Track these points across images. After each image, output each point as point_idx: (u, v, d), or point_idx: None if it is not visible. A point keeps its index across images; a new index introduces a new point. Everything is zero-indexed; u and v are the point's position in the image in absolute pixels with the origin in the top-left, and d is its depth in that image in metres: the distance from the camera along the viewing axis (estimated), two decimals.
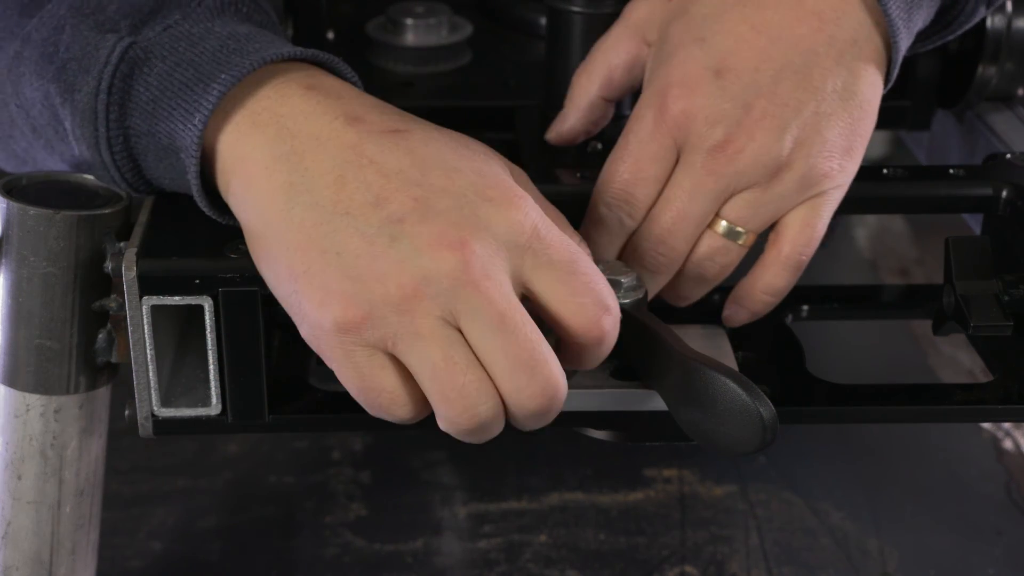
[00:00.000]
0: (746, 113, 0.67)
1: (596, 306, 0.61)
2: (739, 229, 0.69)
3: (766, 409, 0.62)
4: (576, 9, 0.80)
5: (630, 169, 0.69)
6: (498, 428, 0.61)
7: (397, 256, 0.58)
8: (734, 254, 0.70)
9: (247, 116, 0.63)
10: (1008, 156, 0.78)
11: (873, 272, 1.36)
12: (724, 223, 0.69)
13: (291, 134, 0.62)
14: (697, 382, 0.63)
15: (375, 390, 0.60)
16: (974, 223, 0.86)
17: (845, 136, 0.68)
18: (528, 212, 0.60)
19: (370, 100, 0.64)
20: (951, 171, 0.76)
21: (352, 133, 0.61)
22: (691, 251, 0.70)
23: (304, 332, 0.61)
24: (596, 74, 0.75)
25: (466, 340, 0.59)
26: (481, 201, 0.59)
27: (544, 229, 0.60)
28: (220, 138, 0.63)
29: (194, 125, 0.62)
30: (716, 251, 0.70)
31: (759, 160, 0.67)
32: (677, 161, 0.69)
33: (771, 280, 0.71)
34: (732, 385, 0.62)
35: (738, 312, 0.73)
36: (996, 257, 0.74)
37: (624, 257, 0.70)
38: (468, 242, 0.58)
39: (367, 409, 0.62)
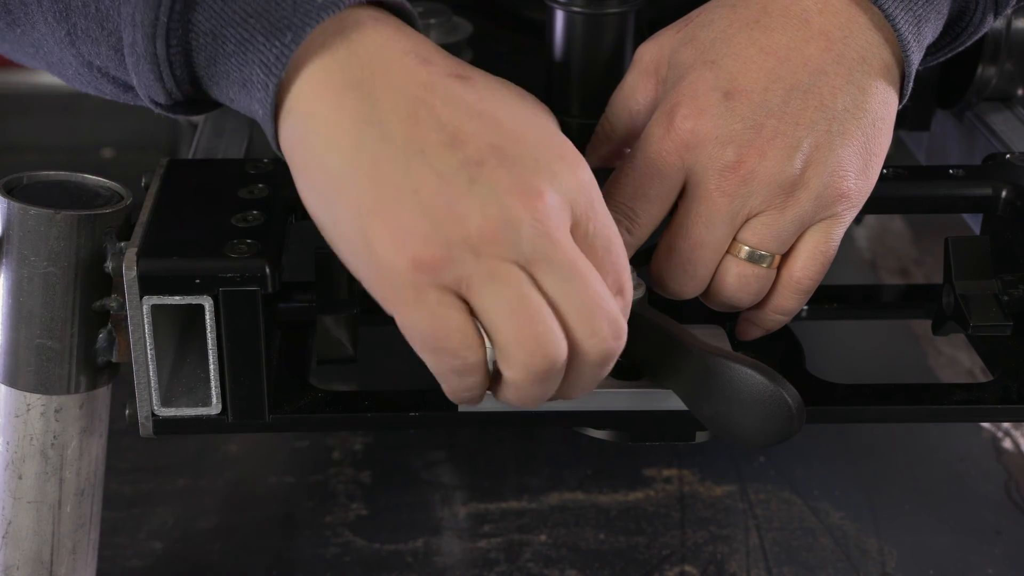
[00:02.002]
0: (757, 133, 0.67)
1: (614, 288, 0.61)
2: (762, 253, 0.69)
3: (793, 398, 0.62)
4: (576, 9, 0.80)
5: (634, 184, 0.69)
6: (559, 378, 0.61)
7: (478, 198, 0.58)
8: (764, 277, 0.70)
9: (318, 37, 0.61)
10: (1008, 156, 0.78)
11: (873, 272, 1.36)
12: (746, 248, 0.69)
13: (361, 63, 0.61)
14: (719, 376, 0.63)
15: (446, 330, 0.59)
16: (974, 223, 0.86)
17: (859, 155, 0.68)
18: (590, 175, 0.61)
19: (433, 43, 0.64)
20: (951, 171, 0.76)
21: (423, 71, 0.61)
22: (722, 284, 0.70)
23: (365, 273, 0.60)
24: (618, 122, 0.75)
25: (538, 286, 0.59)
26: (549, 156, 0.60)
27: (598, 200, 0.61)
28: (293, 56, 0.61)
29: (284, 45, 0.60)
30: (745, 279, 0.69)
31: (772, 180, 0.67)
32: (684, 185, 0.69)
33: (782, 302, 0.71)
34: (758, 376, 0.62)
35: (749, 328, 0.73)
36: (996, 257, 0.74)
37: (647, 282, 0.70)
38: (546, 193, 0.58)
39: (433, 355, 0.60)
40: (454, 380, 0.61)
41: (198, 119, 0.90)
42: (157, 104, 0.66)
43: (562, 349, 0.60)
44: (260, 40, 0.61)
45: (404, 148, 0.59)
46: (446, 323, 0.59)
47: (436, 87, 0.60)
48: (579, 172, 0.60)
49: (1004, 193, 0.75)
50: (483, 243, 0.58)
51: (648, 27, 0.91)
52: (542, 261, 0.58)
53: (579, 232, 0.60)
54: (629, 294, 0.63)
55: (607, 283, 0.61)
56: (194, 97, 0.66)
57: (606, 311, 0.60)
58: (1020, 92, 0.93)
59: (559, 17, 0.81)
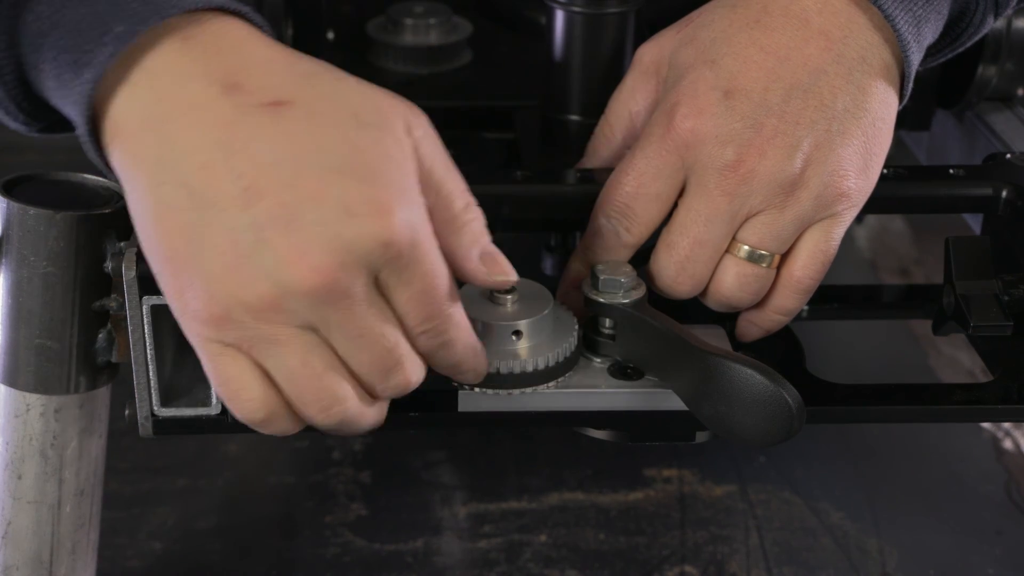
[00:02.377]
0: (757, 133, 0.67)
1: (421, 325, 0.60)
2: (762, 252, 0.69)
3: (793, 398, 0.62)
4: (576, 9, 0.80)
5: (633, 183, 0.69)
6: (367, 422, 0.62)
7: (258, 265, 0.56)
8: (764, 277, 0.70)
9: (119, 70, 0.58)
10: (1008, 156, 0.78)
11: (873, 272, 1.36)
12: (745, 248, 0.69)
13: (160, 97, 0.58)
14: (719, 376, 0.63)
15: (232, 386, 0.60)
16: (974, 223, 0.86)
17: (859, 154, 0.68)
18: (395, 227, 0.57)
19: (259, 52, 0.59)
20: (951, 171, 0.76)
21: (227, 106, 0.57)
22: (722, 284, 0.70)
23: (175, 314, 0.60)
24: (618, 123, 0.75)
25: (326, 341, 0.59)
26: (348, 218, 0.56)
27: (410, 247, 0.57)
28: (96, 92, 0.59)
29: (87, 82, 0.58)
30: (744, 278, 0.69)
31: (772, 179, 0.67)
32: (684, 184, 0.69)
33: (782, 302, 0.71)
34: (758, 376, 0.62)
35: (750, 329, 0.73)
36: (996, 257, 0.74)
37: (647, 281, 0.70)
38: (330, 265, 0.56)
39: (224, 403, 0.61)
40: (260, 430, 0.62)
41: None
42: (28, 128, 0.66)
43: (346, 407, 0.60)
44: (70, 77, 0.59)
45: (199, 199, 0.57)
46: (229, 380, 0.59)
47: (239, 126, 0.57)
48: (377, 229, 0.56)
49: (1004, 193, 0.75)
50: (262, 310, 0.57)
51: (648, 27, 0.91)
52: (325, 326, 0.58)
53: (383, 281, 0.58)
54: (453, 333, 0.61)
55: (416, 325, 0.60)
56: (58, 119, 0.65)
57: (398, 361, 0.60)
58: (1020, 92, 0.93)
59: (559, 17, 0.81)
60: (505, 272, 0.63)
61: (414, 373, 0.61)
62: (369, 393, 0.61)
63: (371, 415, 0.62)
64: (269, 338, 0.58)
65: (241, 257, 0.56)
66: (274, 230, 0.56)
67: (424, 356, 0.62)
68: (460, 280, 0.62)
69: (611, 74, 0.80)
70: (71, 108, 0.60)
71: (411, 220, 0.57)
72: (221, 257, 0.56)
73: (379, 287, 0.58)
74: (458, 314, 0.61)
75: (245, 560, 0.99)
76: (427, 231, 0.59)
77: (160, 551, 0.99)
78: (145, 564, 0.98)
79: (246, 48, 0.59)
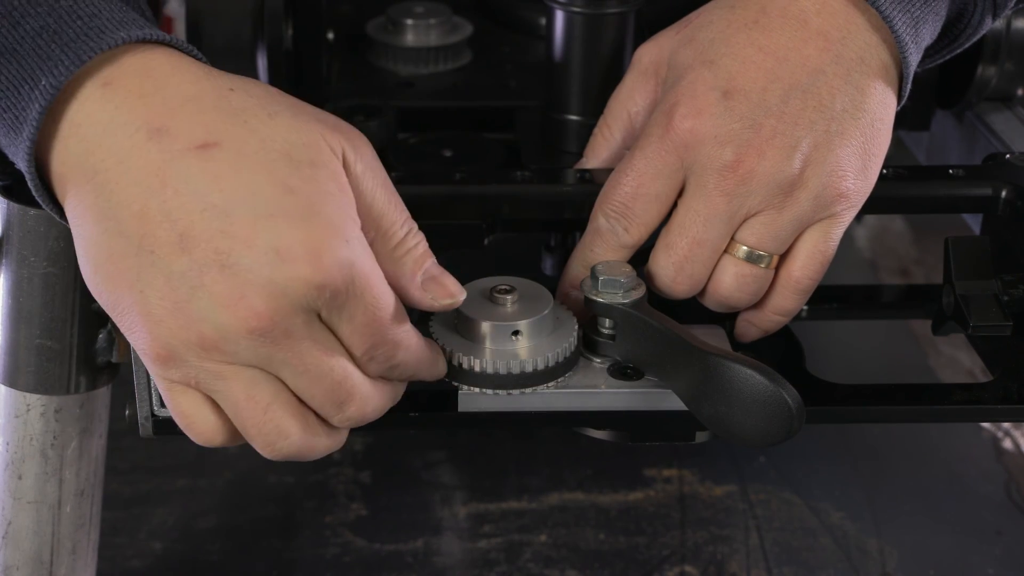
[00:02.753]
0: (755, 133, 0.67)
1: (368, 353, 0.61)
2: (761, 252, 0.69)
3: (793, 398, 0.62)
4: (576, 9, 0.80)
5: (632, 183, 0.69)
6: (319, 451, 0.62)
7: (196, 310, 0.57)
8: (762, 277, 0.70)
9: (51, 124, 0.59)
10: (1008, 156, 0.78)
11: (873, 272, 1.36)
12: (744, 248, 0.69)
13: (90, 149, 0.58)
14: (719, 376, 0.63)
15: (186, 418, 0.61)
16: (974, 223, 0.86)
17: (858, 155, 0.68)
18: (328, 270, 0.57)
19: (182, 91, 0.59)
20: (951, 171, 0.76)
21: (155, 152, 0.57)
22: (720, 284, 0.70)
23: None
24: (617, 124, 0.75)
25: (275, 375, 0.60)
26: (280, 263, 0.57)
27: (345, 285, 0.58)
28: (35, 148, 0.59)
29: (24, 140, 0.59)
30: (743, 278, 0.69)
31: (771, 179, 0.67)
32: (683, 184, 0.69)
33: (781, 303, 0.71)
34: (758, 376, 0.62)
35: (748, 329, 0.73)
36: (996, 257, 0.74)
37: (646, 281, 0.70)
38: (266, 309, 0.57)
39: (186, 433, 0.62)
40: (225, 445, 0.63)
41: None
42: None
43: (291, 440, 0.61)
44: (12, 135, 0.60)
45: (136, 246, 0.57)
46: (185, 413, 0.61)
47: (168, 172, 0.57)
48: (310, 273, 0.57)
49: (1004, 193, 0.75)
50: (204, 350, 0.58)
51: (648, 27, 0.91)
52: (270, 363, 0.59)
53: (325, 317, 0.59)
54: (402, 356, 0.62)
55: (363, 354, 0.60)
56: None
57: (349, 393, 0.60)
58: (1020, 92, 0.93)
59: (559, 17, 0.81)
60: (451, 295, 0.63)
61: (368, 404, 0.62)
62: (326, 422, 0.62)
63: (323, 445, 0.62)
64: (214, 374, 0.59)
65: (180, 302, 0.57)
66: (210, 275, 0.57)
67: (378, 378, 0.62)
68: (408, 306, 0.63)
69: (611, 74, 0.80)
70: (21, 164, 0.60)
71: (346, 259, 0.58)
72: (161, 302, 0.57)
73: (323, 321, 0.59)
74: (405, 336, 0.61)
75: (245, 560, 0.99)
76: (367, 265, 0.59)
77: (160, 551, 0.99)
78: (145, 564, 0.98)
79: (170, 86, 0.59)
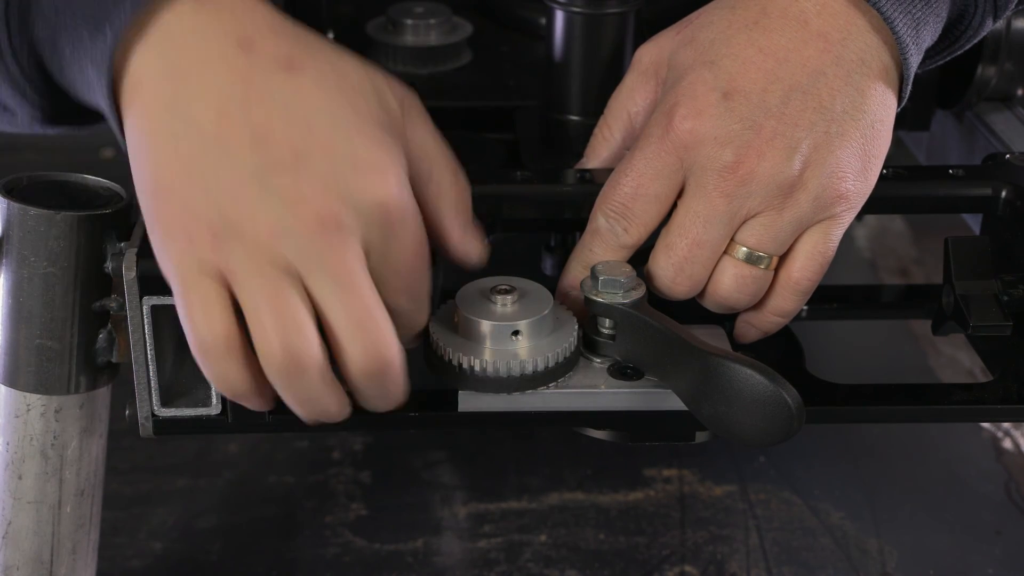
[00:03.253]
0: (756, 134, 0.67)
1: (403, 308, 0.62)
2: (760, 254, 0.69)
3: (793, 398, 0.62)
4: (576, 9, 0.80)
5: (632, 184, 0.69)
6: (318, 385, 0.62)
7: (263, 205, 0.58)
8: (761, 279, 0.70)
9: (137, 29, 0.61)
10: (1007, 156, 0.78)
11: (873, 272, 1.36)
12: (744, 249, 0.69)
13: (178, 50, 0.60)
14: (719, 376, 0.63)
15: (193, 310, 0.60)
16: (974, 223, 0.86)
17: (858, 156, 0.68)
18: (395, 189, 0.60)
19: (268, 18, 0.62)
20: (951, 171, 0.76)
21: (242, 60, 0.60)
22: (719, 285, 0.70)
23: (154, 243, 0.61)
24: (617, 124, 0.75)
25: (307, 292, 0.60)
26: (353, 171, 0.59)
27: (402, 218, 0.61)
28: (115, 51, 0.61)
29: (106, 44, 0.60)
30: (742, 280, 0.69)
31: (771, 180, 0.67)
32: (683, 185, 0.69)
33: (780, 304, 0.71)
34: (758, 376, 0.63)
35: (748, 330, 0.73)
36: (996, 257, 0.74)
37: (646, 282, 0.70)
38: (332, 212, 0.59)
39: (186, 331, 0.61)
40: (212, 369, 0.62)
41: None
42: (41, 124, 0.67)
43: (309, 351, 0.60)
44: (87, 42, 0.61)
45: (211, 140, 0.59)
46: (193, 294, 0.60)
47: (254, 80, 0.60)
48: (378, 187, 0.60)
49: (1004, 193, 0.75)
50: (257, 246, 0.59)
51: (648, 27, 0.91)
52: (315, 269, 0.59)
53: (370, 248, 0.60)
54: (417, 320, 0.64)
55: (393, 302, 0.62)
56: (69, 108, 0.66)
57: (374, 326, 0.61)
58: (1020, 92, 0.93)
59: (559, 17, 0.81)
60: (478, 248, 0.67)
61: (391, 338, 0.61)
62: (342, 357, 0.61)
63: (328, 392, 0.62)
64: (254, 270, 0.59)
65: (246, 196, 0.59)
66: (282, 173, 0.59)
67: (396, 316, 0.63)
68: (439, 252, 0.66)
69: (611, 74, 0.80)
70: (91, 70, 0.61)
71: (406, 188, 0.61)
72: (224, 194, 0.59)
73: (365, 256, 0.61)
74: (426, 289, 0.64)
75: (245, 560, 0.99)
76: (415, 205, 0.62)
77: (160, 551, 0.99)
78: (145, 564, 0.98)
79: (257, 12, 0.62)
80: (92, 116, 0.67)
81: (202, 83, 0.60)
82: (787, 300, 0.71)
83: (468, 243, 0.67)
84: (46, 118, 0.67)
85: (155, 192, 0.60)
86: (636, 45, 0.77)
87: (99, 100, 0.63)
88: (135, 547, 1.00)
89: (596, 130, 0.76)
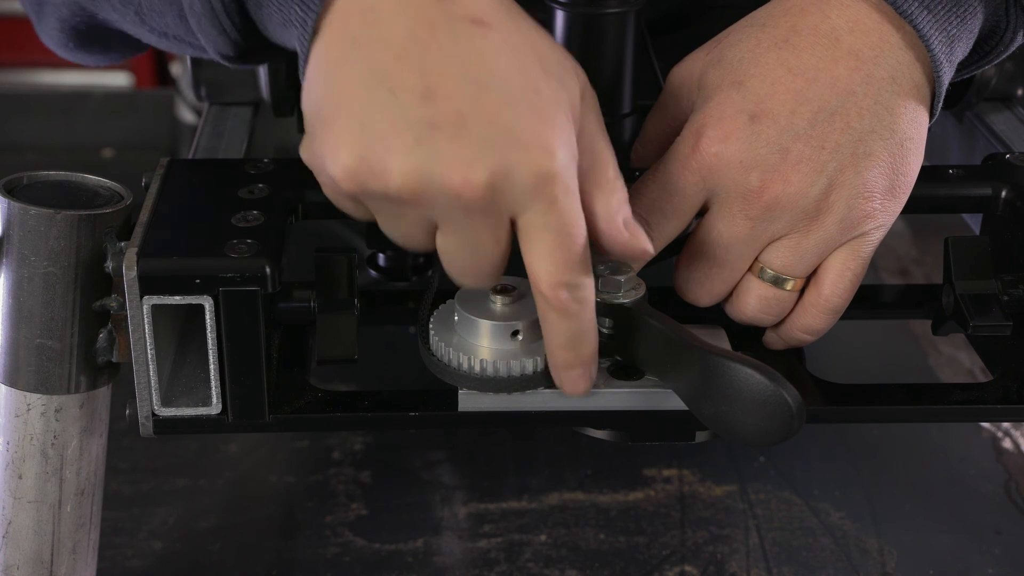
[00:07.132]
0: (782, 158, 0.67)
1: (558, 276, 0.61)
2: (785, 276, 0.69)
3: (793, 398, 0.62)
4: (576, 9, 0.80)
5: (651, 197, 0.69)
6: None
7: (412, 159, 0.58)
8: (786, 300, 0.70)
9: None
10: (1008, 156, 0.78)
11: (873, 272, 1.36)
12: (769, 272, 0.69)
13: None
14: (719, 376, 0.63)
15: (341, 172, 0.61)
16: (974, 223, 0.86)
17: (886, 175, 0.68)
18: (556, 165, 0.59)
19: None
20: (951, 171, 0.76)
21: (434, 9, 0.60)
22: (744, 305, 0.70)
23: (313, 170, 0.63)
24: (651, 145, 0.75)
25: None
26: (515, 144, 0.58)
27: (561, 190, 0.59)
28: None
29: None
30: (766, 301, 0.70)
31: (797, 205, 0.67)
32: (705, 203, 0.69)
33: (810, 322, 0.71)
34: (758, 376, 0.63)
35: (776, 343, 0.74)
36: (996, 257, 0.74)
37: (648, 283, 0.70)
38: (484, 182, 0.58)
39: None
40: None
41: (197, 120, 0.90)
42: (226, 57, 0.67)
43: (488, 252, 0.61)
44: None
45: (380, 79, 0.59)
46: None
47: (440, 30, 0.59)
48: (537, 162, 0.59)
49: (1004, 193, 0.75)
50: (401, 196, 0.59)
51: (648, 27, 0.91)
52: (448, 224, 0.60)
53: (524, 216, 0.60)
54: (586, 285, 0.63)
55: (551, 271, 0.61)
56: (255, 45, 0.67)
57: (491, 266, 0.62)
58: (1020, 92, 0.93)
59: (559, 17, 0.81)
60: (646, 243, 0.65)
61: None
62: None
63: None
64: (393, 213, 0.61)
65: (398, 147, 0.58)
66: (443, 133, 0.58)
67: (549, 322, 0.63)
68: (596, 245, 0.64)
69: (611, 74, 0.80)
70: (294, 10, 0.62)
71: (569, 165, 0.60)
72: (377, 140, 0.59)
73: (519, 232, 0.60)
74: (589, 278, 0.63)
75: (245, 560, 0.99)
76: (577, 186, 0.61)
77: (160, 551, 0.99)
78: (145, 564, 0.98)
79: None
80: (271, 55, 0.68)
81: (391, 24, 0.59)
82: (817, 319, 0.71)
83: (626, 235, 0.64)
84: (237, 54, 0.67)
85: (317, 121, 0.61)
86: (636, 45, 0.77)
87: (293, 40, 0.63)
88: (135, 547, 0.99)
89: (632, 152, 0.77)
